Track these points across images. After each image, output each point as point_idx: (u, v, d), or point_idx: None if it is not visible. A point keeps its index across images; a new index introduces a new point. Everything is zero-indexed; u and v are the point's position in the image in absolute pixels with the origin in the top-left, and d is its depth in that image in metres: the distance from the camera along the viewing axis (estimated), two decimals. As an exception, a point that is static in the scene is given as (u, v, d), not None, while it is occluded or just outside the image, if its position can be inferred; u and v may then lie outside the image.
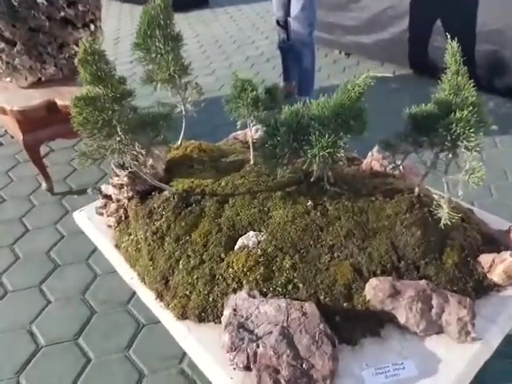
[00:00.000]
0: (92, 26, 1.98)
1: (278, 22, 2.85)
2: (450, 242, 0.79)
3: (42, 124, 2.05)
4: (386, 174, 0.96)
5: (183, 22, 5.29)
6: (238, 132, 1.30)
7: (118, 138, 0.77)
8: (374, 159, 0.99)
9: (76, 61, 0.73)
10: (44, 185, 2.19)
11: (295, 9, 2.52)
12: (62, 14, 1.85)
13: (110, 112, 0.75)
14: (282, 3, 2.72)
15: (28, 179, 2.36)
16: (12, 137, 2.72)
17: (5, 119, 2.12)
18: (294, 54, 2.72)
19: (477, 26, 2.90)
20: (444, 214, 0.77)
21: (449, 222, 0.76)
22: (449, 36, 3.14)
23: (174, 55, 0.97)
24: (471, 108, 0.73)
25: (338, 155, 0.73)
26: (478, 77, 3.06)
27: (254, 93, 0.89)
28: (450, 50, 0.81)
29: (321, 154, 0.72)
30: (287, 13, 2.76)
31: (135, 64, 4.19)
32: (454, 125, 0.71)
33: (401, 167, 0.95)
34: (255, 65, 3.81)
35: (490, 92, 2.98)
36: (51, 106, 1.99)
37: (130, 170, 0.86)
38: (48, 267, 1.80)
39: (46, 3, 1.77)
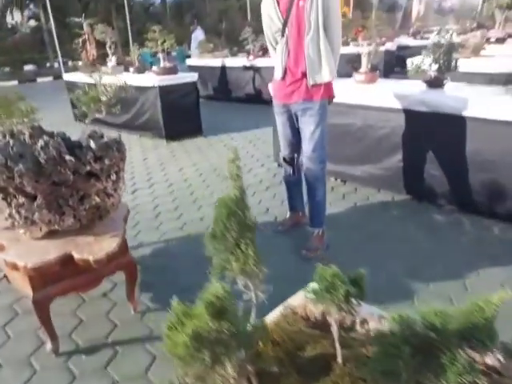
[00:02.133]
0: (115, 176, 1.97)
1: (284, 159, 2.96)
2: None
3: (54, 279, 1.91)
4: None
5: (179, 150, 5.52)
6: (294, 303, 1.20)
7: (225, 373, 0.66)
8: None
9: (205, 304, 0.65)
10: (49, 345, 1.97)
11: (308, 149, 2.64)
12: (88, 168, 1.85)
13: (223, 348, 0.65)
14: (290, 142, 2.86)
15: (28, 335, 2.13)
16: (9, 281, 2.54)
17: (14, 274, 1.98)
18: (308, 189, 2.79)
19: (471, 155, 3.07)
20: None
21: None
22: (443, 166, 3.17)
23: (254, 247, 0.91)
24: None
25: (479, 382, 0.64)
26: (477, 203, 3.18)
27: (345, 287, 0.82)
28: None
29: (457, 380, 0.63)
30: (293, 150, 2.89)
31: (137, 195, 4.15)
32: None
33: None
34: (256, 193, 3.88)
35: (492, 217, 3.06)
36: (67, 260, 1.88)
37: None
38: None
39: (73, 160, 1.77)
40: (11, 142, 1.78)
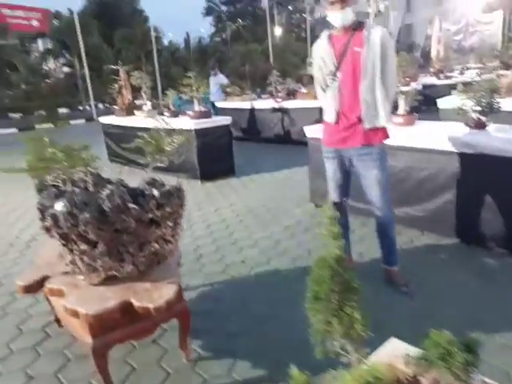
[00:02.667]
0: (174, 223, 1.99)
1: (333, 203, 2.95)
2: None
3: (113, 326, 1.91)
4: None
5: (214, 190, 5.58)
6: (379, 363, 1.15)
7: None
8: None
9: None
10: (105, 395, 1.94)
11: (376, 194, 2.67)
12: (150, 215, 1.87)
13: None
14: (339, 186, 2.84)
15: (82, 383, 2.11)
16: (60, 325, 2.55)
17: (71, 320, 1.98)
18: (381, 232, 2.82)
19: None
20: None
21: None
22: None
23: (360, 310, 0.89)
24: None
25: None
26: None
27: (463, 355, 0.78)
28: None
29: None
30: (342, 194, 2.87)
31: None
32: None
33: None
34: (295, 235, 3.85)
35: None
36: (126, 307, 1.88)
37: None
38: None
39: (137, 208, 1.81)
40: (76, 190, 1.83)
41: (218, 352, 2.28)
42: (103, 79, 19.32)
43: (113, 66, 7.12)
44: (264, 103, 8.93)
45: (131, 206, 1.79)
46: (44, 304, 2.68)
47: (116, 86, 7.39)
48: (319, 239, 3.61)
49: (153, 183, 1.96)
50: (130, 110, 7.36)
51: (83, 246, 1.89)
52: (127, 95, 7.41)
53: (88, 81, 17.71)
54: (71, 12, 19.03)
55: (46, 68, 22.32)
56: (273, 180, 5.91)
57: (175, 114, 6.52)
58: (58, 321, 2.61)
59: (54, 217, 1.87)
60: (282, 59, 23.74)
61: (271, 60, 24.13)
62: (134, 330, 1.97)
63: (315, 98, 7.96)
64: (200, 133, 5.79)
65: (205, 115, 5.98)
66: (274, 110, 8.54)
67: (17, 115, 18.71)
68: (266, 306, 2.70)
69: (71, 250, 1.94)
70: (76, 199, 1.83)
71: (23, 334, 2.62)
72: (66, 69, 23.04)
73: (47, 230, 2.11)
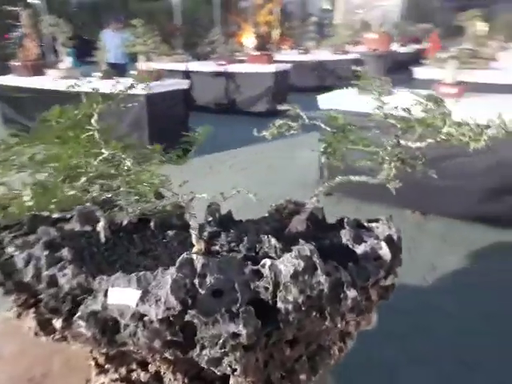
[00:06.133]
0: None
1: None
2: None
3: None
4: None
5: (176, 175, 4.35)
6: None
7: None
8: None
9: None
10: None
11: None
12: (339, 325, 0.79)
13: None
14: None
15: None
16: None
17: None
18: None
19: None
20: None
21: None
22: None
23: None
24: None
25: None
26: None
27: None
28: None
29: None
30: None
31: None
32: None
33: None
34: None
35: None
36: None
37: None
38: None
39: (357, 297, 0.71)
40: (200, 261, 0.67)
41: None
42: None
43: (12, 8, 5.19)
44: (202, 66, 7.62)
45: (351, 294, 0.69)
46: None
47: (15, 34, 5.49)
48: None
49: (350, 223, 0.87)
50: (37, 67, 5.55)
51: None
52: (33, 48, 5.56)
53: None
54: None
55: None
56: (249, 160, 4.85)
57: (109, 76, 4.99)
58: None
59: (107, 323, 0.69)
60: (191, 20, 21.74)
61: (175, 20, 21.93)
62: None
63: (269, 61, 7.01)
64: (152, 100, 4.45)
65: (155, 77, 4.63)
66: (217, 74, 7.32)
67: None
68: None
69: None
70: (199, 288, 0.67)
71: None
72: None
73: (43, 328, 0.92)
